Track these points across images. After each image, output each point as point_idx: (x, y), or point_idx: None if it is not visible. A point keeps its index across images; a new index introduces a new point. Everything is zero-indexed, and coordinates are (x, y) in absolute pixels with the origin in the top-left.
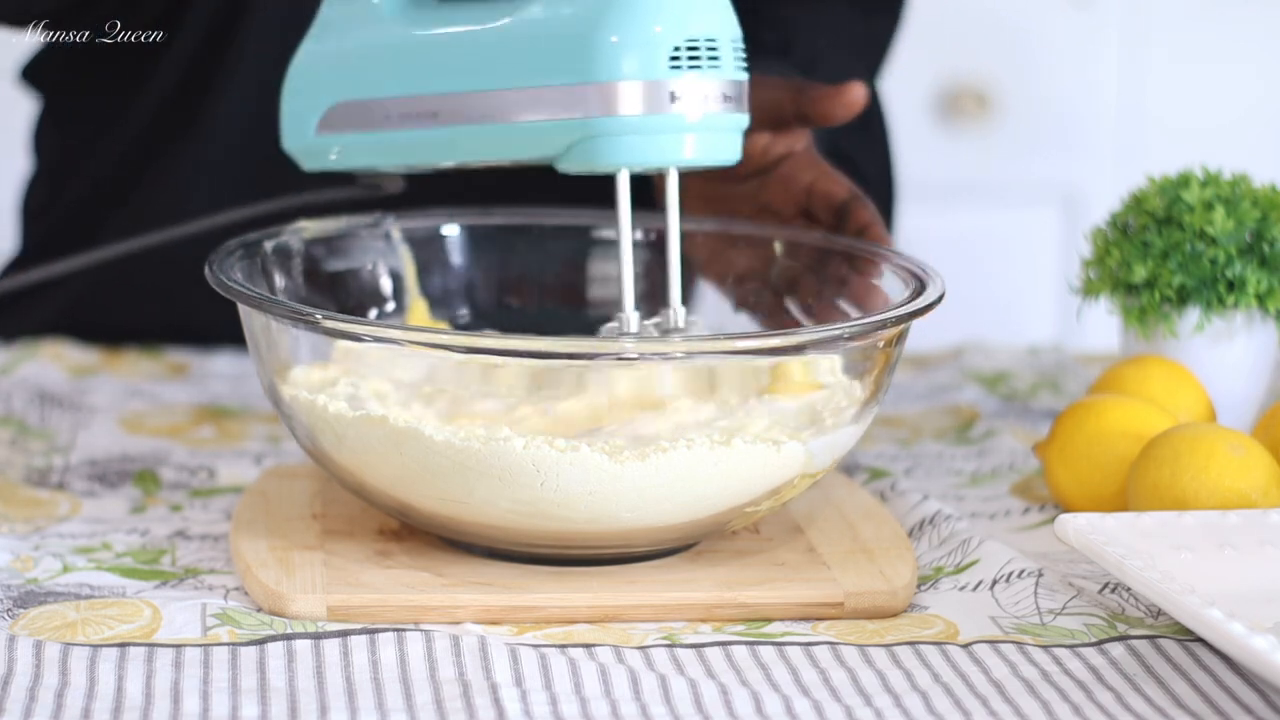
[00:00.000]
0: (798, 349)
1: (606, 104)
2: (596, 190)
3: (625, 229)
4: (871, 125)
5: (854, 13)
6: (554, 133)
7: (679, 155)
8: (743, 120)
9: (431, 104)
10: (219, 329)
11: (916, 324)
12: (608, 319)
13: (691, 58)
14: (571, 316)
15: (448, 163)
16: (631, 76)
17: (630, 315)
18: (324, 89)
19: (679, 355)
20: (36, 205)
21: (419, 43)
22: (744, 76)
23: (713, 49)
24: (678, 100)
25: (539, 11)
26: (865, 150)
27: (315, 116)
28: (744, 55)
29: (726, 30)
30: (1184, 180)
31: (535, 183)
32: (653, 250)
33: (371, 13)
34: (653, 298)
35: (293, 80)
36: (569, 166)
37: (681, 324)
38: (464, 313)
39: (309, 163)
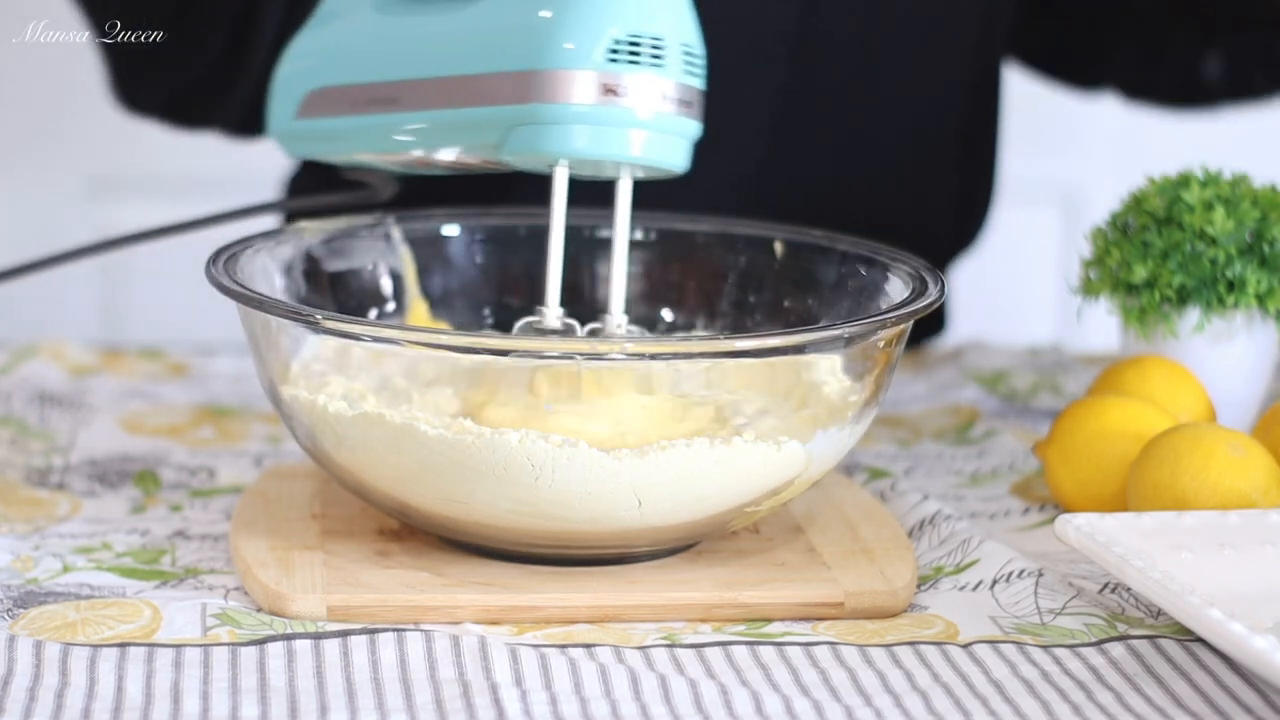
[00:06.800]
0: (797, 349)
1: (548, 91)
2: (597, 191)
3: (558, 224)
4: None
5: None
6: (500, 120)
7: (626, 150)
8: (694, 128)
9: (391, 90)
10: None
11: (917, 324)
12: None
13: (632, 53)
14: (571, 316)
15: (406, 151)
16: (571, 65)
17: (552, 311)
18: (305, 75)
19: (674, 356)
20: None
21: (388, 31)
22: (696, 84)
23: (657, 48)
24: (627, 94)
25: (496, 2)
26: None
27: (295, 102)
28: (697, 63)
29: (676, 33)
30: (1184, 180)
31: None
32: (650, 250)
33: (357, 4)
34: (652, 299)
35: (281, 68)
36: (512, 156)
37: (620, 333)
38: (463, 313)
39: (289, 148)
